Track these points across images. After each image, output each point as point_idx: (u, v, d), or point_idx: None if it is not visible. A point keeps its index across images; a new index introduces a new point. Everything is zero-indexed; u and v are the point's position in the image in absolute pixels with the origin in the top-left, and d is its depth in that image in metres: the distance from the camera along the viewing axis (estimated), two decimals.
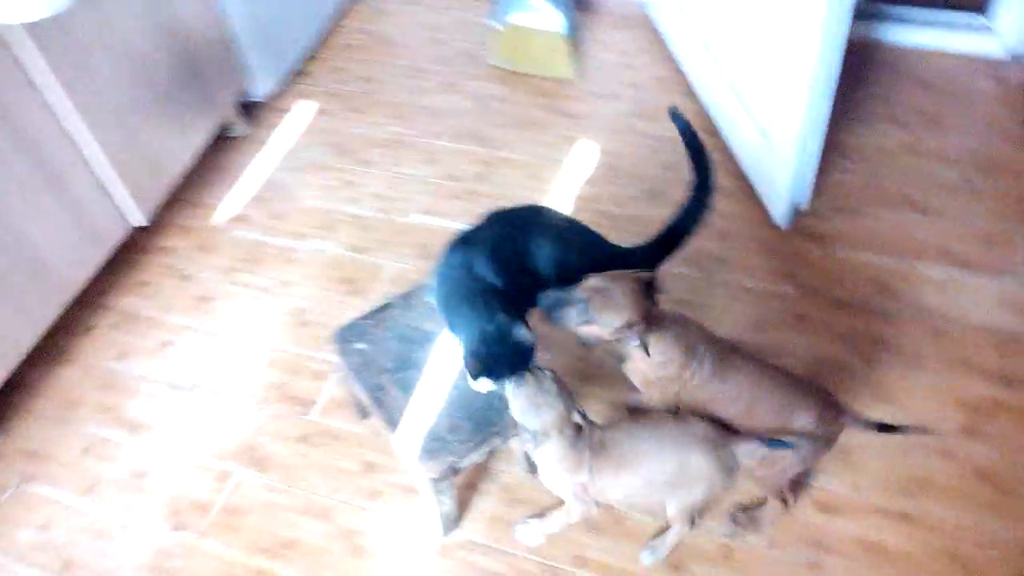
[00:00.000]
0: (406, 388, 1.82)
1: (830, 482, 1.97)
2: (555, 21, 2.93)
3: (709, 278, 2.40)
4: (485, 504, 2.00)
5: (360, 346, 1.91)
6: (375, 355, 1.89)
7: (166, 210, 2.66)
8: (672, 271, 2.39)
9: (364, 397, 1.86)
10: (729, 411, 1.72)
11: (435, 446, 1.73)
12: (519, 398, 1.61)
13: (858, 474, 1.98)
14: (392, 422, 1.78)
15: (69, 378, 2.32)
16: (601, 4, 3.27)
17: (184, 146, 2.59)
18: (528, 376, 1.61)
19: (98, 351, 2.37)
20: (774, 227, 2.50)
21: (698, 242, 2.43)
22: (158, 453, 2.15)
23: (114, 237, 2.39)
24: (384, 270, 2.49)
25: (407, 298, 2.00)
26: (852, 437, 2.02)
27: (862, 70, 2.93)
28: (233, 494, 2.06)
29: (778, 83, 2.28)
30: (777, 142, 2.35)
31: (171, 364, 2.33)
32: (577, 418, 1.64)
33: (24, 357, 2.19)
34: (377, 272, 2.49)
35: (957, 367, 2.15)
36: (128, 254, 2.57)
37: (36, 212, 2.12)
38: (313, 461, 2.10)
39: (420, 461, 1.73)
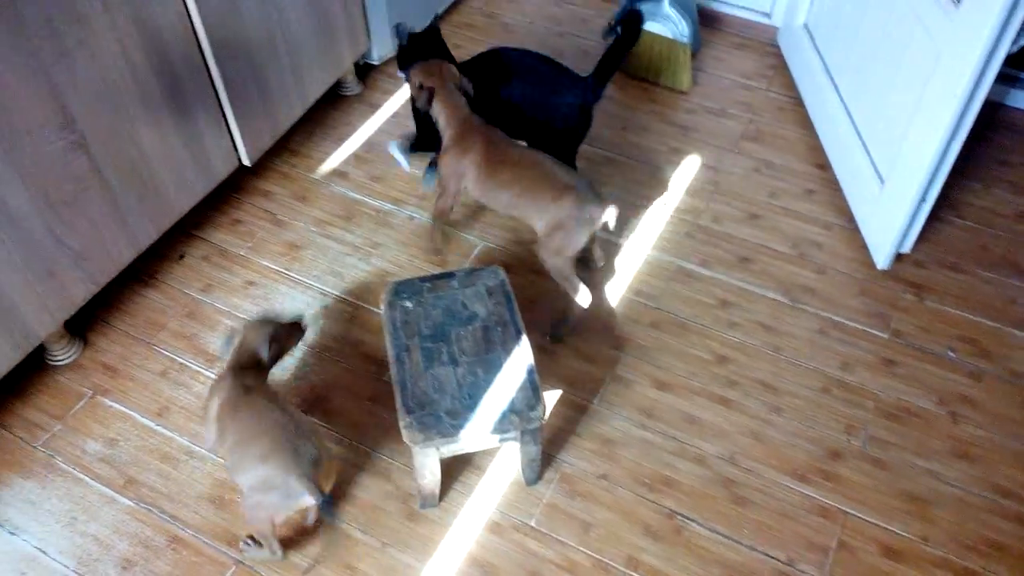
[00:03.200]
0: (429, 358, 1.84)
1: (900, 529, 1.92)
2: (681, 30, 2.91)
3: (797, 307, 2.36)
4: (544, 491, 1.99)
5: (407, 304, 1.94)
6: (416, 317, 1.92)
7: (271, 155, 2.70)
8: (758, 293, 2.37)
9: (388, 351, 1.88)
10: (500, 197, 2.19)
11: (428, 421, 1.74)
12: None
13: (930, 527, 1.93)
14: (402, 383, 1.79)
15: (155, 301, 2.36)
16: (728, 23, 3.24)
17: (300, 96, 2.62)
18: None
19: (186, 280, 2.41)
20: (872, 267, 2.45)
21: (791, 269, 2.43)
22: None
23: (222, 173, 2.44)
24: (474, 247, 2.50)
25: (471, 275, 2.02)
26: (929, 490, 1.98)
27: (987, 131, 2.86)
28: None
29: (906, 133, 2.23)
30: (894, 188, 2.31)
31: (253, 303, 2.36)
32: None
33: (118, 274, 2.23)
34: (467, 248, 2.50)
35: None
36: (229, 192, 2.61)
37: (160, 136, 2.18)
38: (381, 421, 2.11)
39: (407, 429, 1.73)
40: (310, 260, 2.47)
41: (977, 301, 2.38)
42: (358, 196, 2.64)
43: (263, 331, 1.87)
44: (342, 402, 2.15)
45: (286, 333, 1.94)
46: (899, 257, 2.45)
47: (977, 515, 1.95)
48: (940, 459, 2.04)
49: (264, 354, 1.87)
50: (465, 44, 3.17)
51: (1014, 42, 1.96)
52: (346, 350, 2.26)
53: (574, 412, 2.13)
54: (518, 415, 1.74)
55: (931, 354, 2.25)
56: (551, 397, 2.15)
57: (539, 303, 2.35)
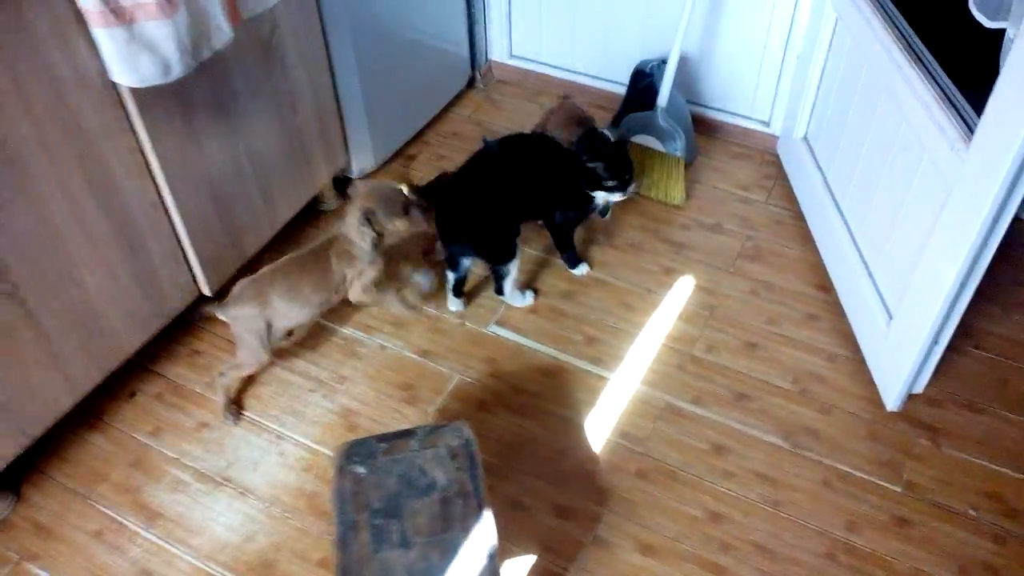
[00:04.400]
0: (379, 539, 1.61)
1: None
2: (676, 144, 2.76)
3: (798, 453, 2.14)
4: None
5: (360, 470, 1.73)
6: (368, 486, 1.70)
7: (237, 278, 2.53)
8: (756, 437, 2.17)
9: (335, 529, 1.65)
10: None
11: None
12: None
13: None
14: (344, 572, 1.57)
15: (99, 447, 2.18)
16: (726, 131, 3.08)
17: (270, 219, 2.47)
18: None
19: (135, 421, 2.23)
20: (881, 407, 2.24)
21: (792, 408, 2.23)
22: (169, 552, 1.98)
23: (178, 307, 2.27)
24: (448, 382, 2.31)
25: (433, 433, 1.80)
26: None
27: (1007, 250, 2.65)
28: None
29: (915, 268, 2.03)
30: (903, 326, 2.10)
31: (205, 449, 2.17)
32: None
33: (54, 423, 2.06)
34: (440, 383, 2.31)
35: None
36: (187, 319, 2.44)
37: (108, 276, 2.03)
38: None
39: None
40: (269, 398, 2.28)
41: (1000, 447, 2.15)
42: (326, 322, 2.47)
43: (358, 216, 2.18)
44: (289, 567, 1.94)
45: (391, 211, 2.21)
46: (911, 394, 2.24)
47: None
48: None
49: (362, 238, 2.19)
50: (451, 154, 3.03)
51: None
52: (299, 504, 2.06)
53: None
54: None
55: (949, 511, 2.03)
56: (523, 564, 1.93)
57: (517, 447, 2.15)
